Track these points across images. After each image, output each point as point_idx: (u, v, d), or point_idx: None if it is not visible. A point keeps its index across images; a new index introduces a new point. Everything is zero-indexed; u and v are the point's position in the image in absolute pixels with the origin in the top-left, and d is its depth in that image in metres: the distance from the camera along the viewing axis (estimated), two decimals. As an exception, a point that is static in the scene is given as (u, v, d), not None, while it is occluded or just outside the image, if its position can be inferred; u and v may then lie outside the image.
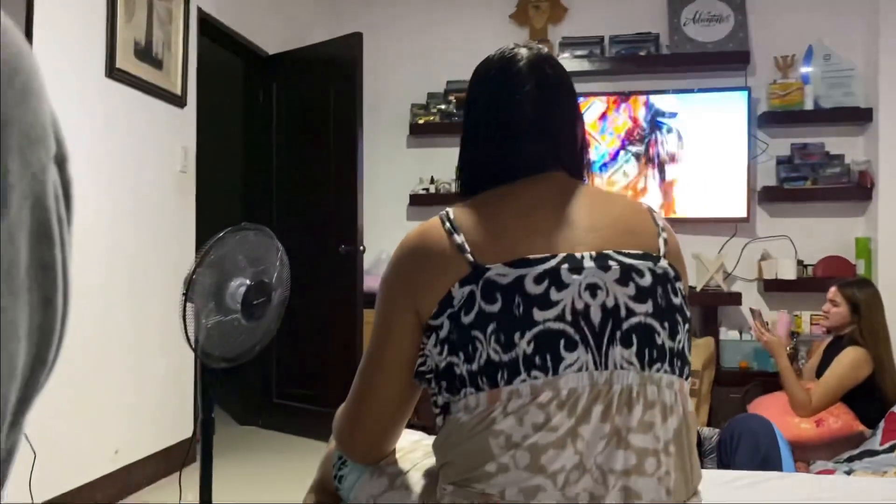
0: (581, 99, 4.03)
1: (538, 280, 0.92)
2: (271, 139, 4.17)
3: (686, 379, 0.98)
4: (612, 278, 0.94)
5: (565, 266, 0.93)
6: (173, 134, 3.28)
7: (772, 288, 4.02)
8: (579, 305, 0.92)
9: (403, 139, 4.60)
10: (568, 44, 4.31)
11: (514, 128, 1.07)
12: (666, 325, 0.95)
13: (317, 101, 3.97)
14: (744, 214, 4.02)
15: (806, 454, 2.59)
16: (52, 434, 2.49)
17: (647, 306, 0.94)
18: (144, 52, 3.02)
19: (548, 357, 0.89)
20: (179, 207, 3.34)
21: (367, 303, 3.73)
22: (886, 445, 2.41)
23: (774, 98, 4.05)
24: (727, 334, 3.99)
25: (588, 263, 0.94)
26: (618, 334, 0.92)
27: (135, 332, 3.00)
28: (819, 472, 2.38)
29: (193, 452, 3.12)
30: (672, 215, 4.04)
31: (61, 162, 0.38)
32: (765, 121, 4.08)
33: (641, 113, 4.14)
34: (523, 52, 1.10)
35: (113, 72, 2.83)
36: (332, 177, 3.88)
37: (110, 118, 2.86)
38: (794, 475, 2.03)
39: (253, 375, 4.11)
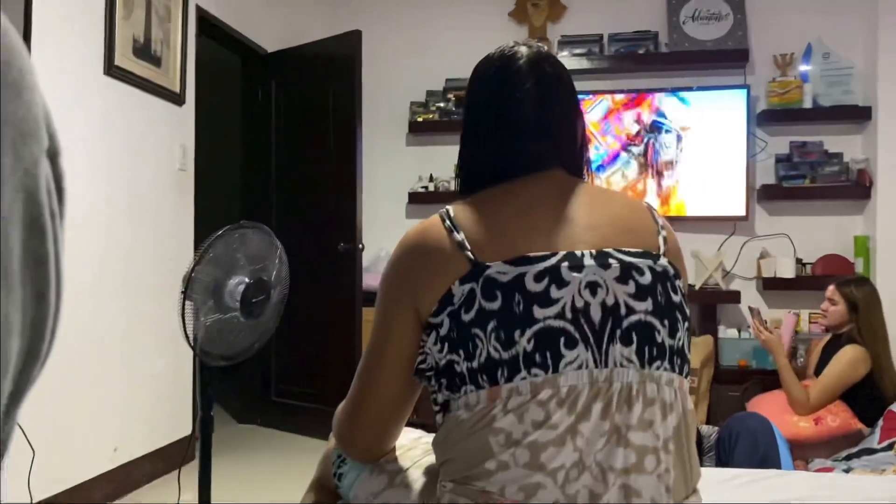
0: (590, 97, 4.08)
1: (538, 278, 0.92)
2: (270, 137, 4.17)
3: (686, 377, 0.98)
4: (612, 276, 0.94)
5: (565, 264, 0.93)
6: (172, 132, 3.28)
7: (770, 286, 4.02)
8: (579, 303, 0.92)
9: (402, 137, 4.60)
10: (567, 42, 4.31)
11: (514, 126, 1.07)
12: (666, 322, 0.95)
13: (316, 99, 3.97)
14: (743, 213, 4.02)
15: (804, 452, 2.60)
16: (50, 432, 2.49)
17: (647, 304, 0.94)
18: (143, 50, 3.02)
19: (548, 355, 0.89)
20: (178, 206, 3.34)
21: (367, 301, 3.73)
22: (885, 444, 2.42)
23: (773, 96, 4.05)
24: (726, 332, 3.99)
25: (588, 261, 0.94)
26: (618, 332, 0.92)
27: (133, 330, 3.00)
28: (817, 471, 2.39)
29: (192, 450, 3.12)
30: (671, 213, 4.04)
31: (54, 156, 0.38)
32: (764, 119, 4.08)
33: (646, 116, 4.13)
34: (523, 50, 1.10)
35: (111, 69, 2.82)
36: (332, 175, 3.88)
37: (109, 116, 2.85)
38: (793, 473, 2.03)
39: (252, 373, 4.12)
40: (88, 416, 2.73)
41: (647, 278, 0.95)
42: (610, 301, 0.93)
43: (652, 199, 4.09)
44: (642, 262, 0.96)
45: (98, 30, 2.78)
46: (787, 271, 3.95)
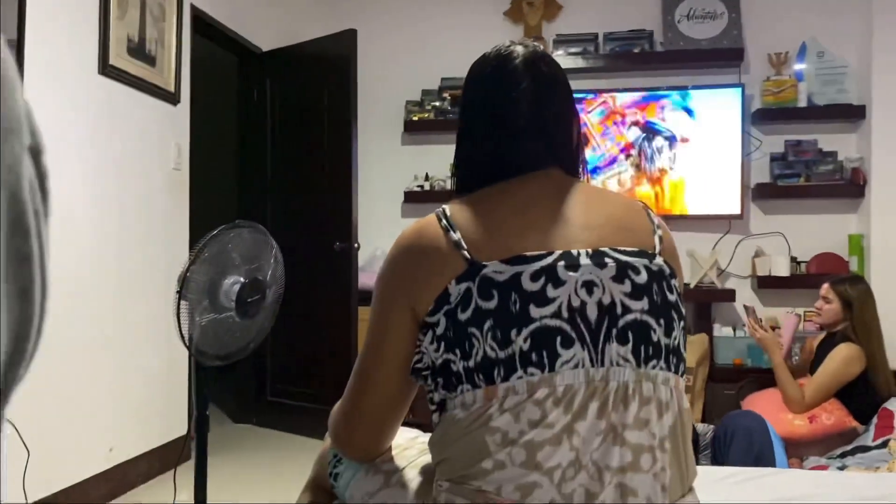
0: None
1: (535, 277, 0.92)
2: (265, 136, 4.17)
3: (681, 375, 0.99)
4: (608, 275, 0.94)
5: (562, 263, 0.93)
6: (167, 131, 3.27)
7: (765, 285, 4.03)
8: (575, 302, 0.92)
9: (398, 136, 4.60)
10: (562, 41, 4.31)
11: (510, 125, 1.07)
12: (661, 321, 0.95)
13: (311, 97, 3.97)
14: (738, 211, 4.03)
15: (799, 450, 2.61)
16: (45, 432, 2.48)
17: (643, 303, 0.94)
18: (138, 49, 3.01)
19: (544, 354, 0.89)
20: (173, 205, 3.33)
21: (363, 300, 3.73)
22: (879, 441, 2.43)
23: (768, 95, 4.06)
24: (721, 331, 4.00)
25: (584, 261, 0.94)
26: (614, 331, 0.92)
27: (128, 330, 2.99)
28: (812, 468, 2.40)
29: (188, 450, 3.12)
30: (666, 212, 4.05)
31: (37, 154, 0.38)
32: (759, 118, 4.09)
33: (643, 117, 4.13)
34: (519, 49, 1.10)
35: (106, 69, 2.82)
36: (327, 174, 3.88)
37: (103, 115, 2.85)
38: (788, 471, 2.04)
39: (247, 373, 4.11)
40: (83, 417, 2.72)
41: (642, 277, 0.96)
42: (606, 300, 0.93)
43: (647, 198, 4.10)
44: (638, 262, 0.96)
45: (92, 29, 2.77)
46: (782, 270, 3.96)
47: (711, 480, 1.67)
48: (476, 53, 1.16)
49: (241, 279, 1.85)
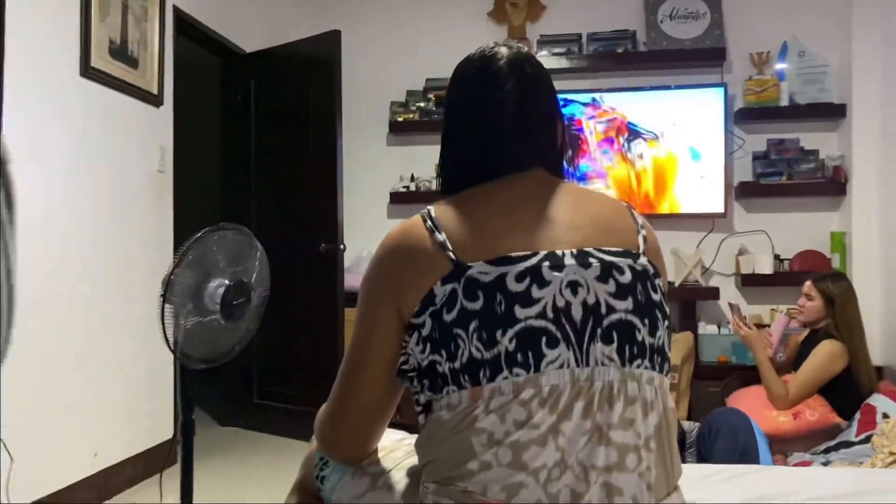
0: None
1: (520, 278, 0.92)
2: (250, 138, 4.14)
3: (666, 375, 0.99)
4: (593, 275, 0.94)
5: (546, 264, 0.93)
6: (150, 133, 3.25)
7: (749, 282, 4.06)
8: (560, 303, 0.92)
9: (383, 137, 4.59)
10: (546, 41, 4.32)
11: (495, 127, 1.08)
12: (646, 321, 0.96)
13: (296, 99, 3.95)
14: (721, 210, 4.06)
15: (784, 446, 2.63)
16: (29, 438, 2.46)
17: (628, 303, 0.95)
18: (119, 51, 2.99)
19: (529, 354, 0.90)
20: (157, 207, 3.31)
21: (349, 301, 3.72)
22: (862, 436, 2.45)
23: (750, 94, 4.09)
24: (706, 329, 4.03)
25: (569, 261, 0.94)
26: (598, 331, 0.92)
27: (113, 334, 2.97)
28: (796, 464, 2.42)
29: (174, 454, 3.10)
30: (650, 211, 4.07)
31: (2, 164, 0.37)
32: (741, 117, 4.12)
33: (624, 117, 4.16)
34: (503, 51, 1.10)
35: (87, 71, 2.79)
36: (312, 175, 3.87)
37: (85, 118, 2.82)
38: (772, 468, 2.06)
39: (233, 375, 4.09)
40: (68, 421, 2.70)
41: (627, 277, 0.96)
42: (591, 300, 0.93)
43: (631, 196, 4.12)
44: (622, 262, 0.97)
45: (73, 31, 2.75)
46: (766, 267, 4.00)
47: (696, 478, 1.68)
48: (460, 54, 1.16)
49: (226, 282, 1.84)
